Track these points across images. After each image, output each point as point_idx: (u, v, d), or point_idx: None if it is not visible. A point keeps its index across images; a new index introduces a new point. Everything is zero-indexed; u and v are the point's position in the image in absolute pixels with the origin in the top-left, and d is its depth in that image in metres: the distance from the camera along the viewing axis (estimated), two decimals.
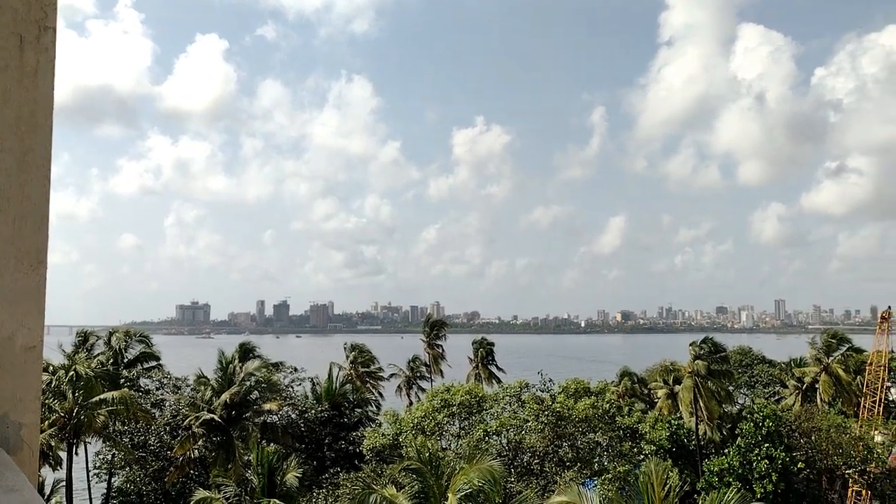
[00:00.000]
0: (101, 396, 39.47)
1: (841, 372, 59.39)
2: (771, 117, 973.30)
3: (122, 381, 48.06)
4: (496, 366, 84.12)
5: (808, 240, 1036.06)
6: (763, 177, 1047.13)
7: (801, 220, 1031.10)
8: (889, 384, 59.24)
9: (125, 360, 51.39)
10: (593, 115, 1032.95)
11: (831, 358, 61.14)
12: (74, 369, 40.65)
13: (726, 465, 44.35)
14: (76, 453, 43.05)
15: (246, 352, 48.76)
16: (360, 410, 55.05)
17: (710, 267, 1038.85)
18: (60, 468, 42.56)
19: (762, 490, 41.70)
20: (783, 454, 43.09)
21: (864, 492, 47.54)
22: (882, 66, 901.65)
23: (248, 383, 41.91)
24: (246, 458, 38.50)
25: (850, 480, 47.72)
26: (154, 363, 53.15)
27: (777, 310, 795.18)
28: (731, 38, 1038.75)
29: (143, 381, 52.16)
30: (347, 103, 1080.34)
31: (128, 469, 42.58)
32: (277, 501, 25.38)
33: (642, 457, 41.17)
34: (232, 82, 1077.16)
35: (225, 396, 39.57)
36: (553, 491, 30.11)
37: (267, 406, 42.12)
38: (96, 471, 47.05)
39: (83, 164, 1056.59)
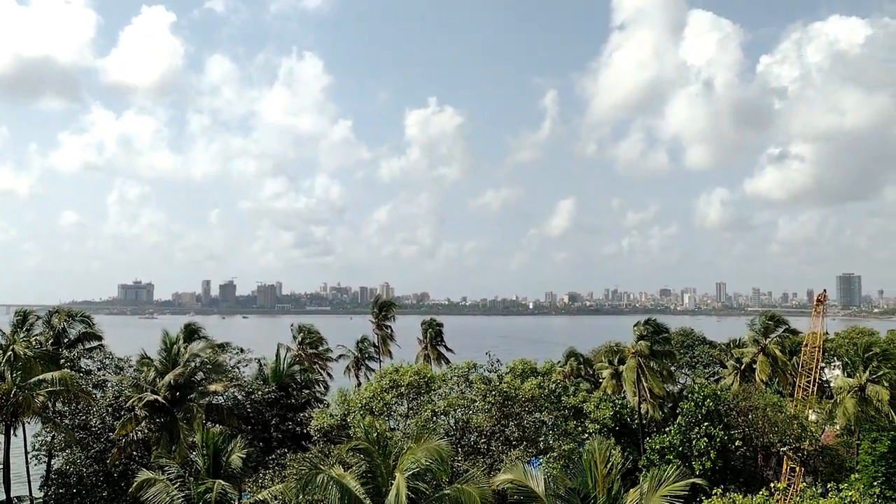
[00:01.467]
0: (41, 377, 38.55)
1: (778, 353, 61.36)
2: (718, 103, 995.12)
3: (63, 361, 46.97)
4: (445, 346, 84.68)
5: (750, 224, 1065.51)
6: (709, 162, 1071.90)
7: (743, 204, 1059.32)
8: (823, 365, 61.43)
9: (66, 341, 50.21)
10: (545, 98, 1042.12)
11: (769, 339, 63.08)
12: (12, 349, 39.64)
13: (667, 443, 45.53)
14: (14, 435, 42.05)
15: (191, 332, 48.10)
16: (307, 391, 54.87)
17: (655, 250, 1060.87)
18: None
19: (701, 467, 42.95)
20: (721, 432, 44.40)
21: (797, 468, 49.36)
22: (826, 55, 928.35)
23: (192, 364, 41.34)
24: (190, 439, 38.08)
25: (785, 457, 49.46)
26: (96, 343, 52.00)
27: (718, 292, 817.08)
28: (681, 23, 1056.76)
29: (84, 362, 51.00)
30: (298, 81, 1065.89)
31: (68, 451, 41.73)
32: (222, 482, 25.22)
33: (586, 435, 42.06)
34: (179, 56, 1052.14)
35: (169, 377, 39.00)
36: (499, 469, 30.57)
37: (212, 387, 41.67)
38: (35, 453, 46.00)
39: (22, 139, 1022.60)
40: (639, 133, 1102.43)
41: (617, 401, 57.19)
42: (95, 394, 45.32)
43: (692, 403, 45.54)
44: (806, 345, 58.34)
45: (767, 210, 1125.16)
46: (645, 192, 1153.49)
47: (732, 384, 59.38)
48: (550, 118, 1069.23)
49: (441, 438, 29.55)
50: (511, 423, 41.88)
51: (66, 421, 42.43)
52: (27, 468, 45.18)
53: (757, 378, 60.46)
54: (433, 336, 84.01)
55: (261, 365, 53.84)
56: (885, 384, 49.75)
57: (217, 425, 39.86)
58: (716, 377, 68.71)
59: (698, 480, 23.27)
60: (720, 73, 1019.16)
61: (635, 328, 58.24)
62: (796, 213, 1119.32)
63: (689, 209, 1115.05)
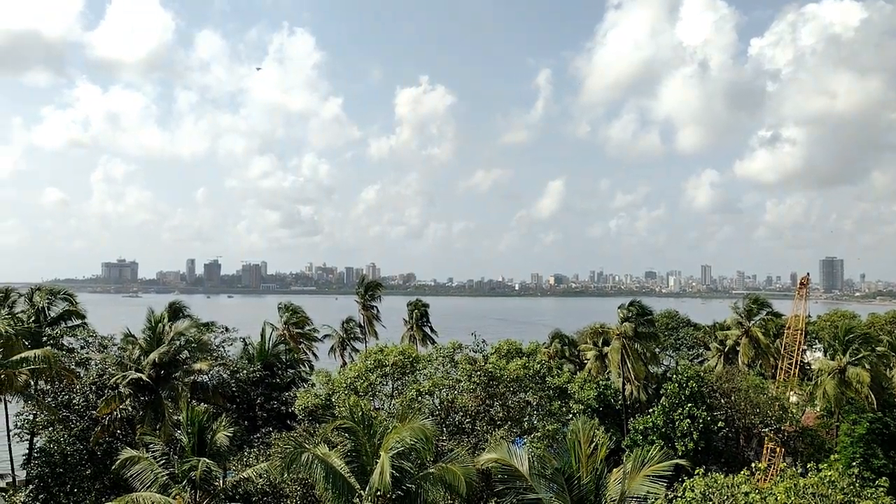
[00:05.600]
0: (23, 355, 38.25)
1: (760, 335, 61.91)
2: (711, 85, 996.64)
3: (45, 339, 46.68)
4: (430, 327, 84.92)
5: (737, 207, 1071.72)
6: (700, 144, 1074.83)
7: (732, 187, 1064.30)
8: (805, 347, 61.99)
9: (48, 319, 49.83)
10: (539, 78, 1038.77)
11: (752, 322, 63.63)
12: None
13: (651, 423, 45.88)
14: None
15: (176, 311, 47.84)
16: (293, 371, 54.81)
17: (642, 232, 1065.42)
18: None
19: (683, 448, 43.31)
20: (704, 414, 44.77)
21: (778, 449, 49.93)
22: (819, 38, 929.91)
23: (177, 343, 41.13)
24: (175, 417, 37.99)
25: (766, 438, 50.01)
26: (79, 322, 51.64)
27: (703, 275, 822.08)
28: (677, 4, 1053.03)
29: (67, 340, 50.70)
30: (289, 57, 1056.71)
31: (51, 429, 41.48)
32: (207, 460, 25.21)
33: (571, 416, 42.24)
34: (169, 31, 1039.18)
35: (153, 356, 38.79)
36: (484, 449, 30.71)
37: (197, 366, 41.48)
38: (17, 431, 45.75)
39: (5, 114, 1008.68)
40: (632, 114, 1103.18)
41: (601, 382, 57.57)
42: (79, 372, 45.03)
43: (676, 385, 45.86)
44: (789, 327, 58.84)
45: (756, 193, 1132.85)
46: (635, 174, 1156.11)
47: (716, 366, 59.87)
48: (543, 98, 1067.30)
49: (426, 418, 29.69)
50: (496, 403, 42.04)
51: (49, 399, 42.16)
52: (9, 446, 45.00)
53: (740, 360, 61.03)
54: (419, 317, 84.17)
55: (246, 344, 53.68)
56: (866, 367, 50.26)
57: (202, 404, 39.75)
58: (700, 359, 69.25)
59: (681, 461, 23.45)
60: (715, 55, 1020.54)
61: (620, 310, 58.52)
62: (784, 197, 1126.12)
63: (678, 191, 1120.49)
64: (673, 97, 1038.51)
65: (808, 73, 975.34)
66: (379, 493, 21.85)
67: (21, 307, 48.94)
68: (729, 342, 63.58)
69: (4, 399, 42.29)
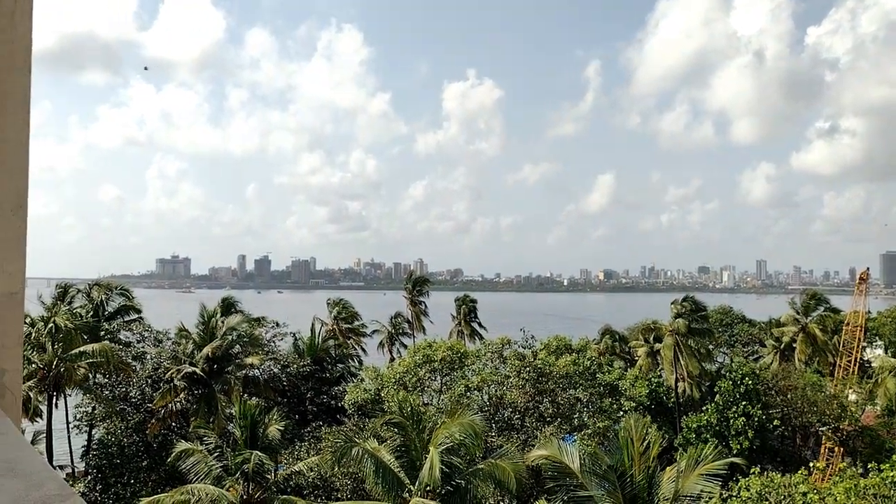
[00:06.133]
0: (82, 349, 39.36)
1: (818, 332, 60.35)
2: (767, 75, 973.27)
3: (103, 333, 47.91)
4: (478, 323, 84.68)
5: (794, 200, 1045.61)
6: (755, 135, 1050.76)
7: (789, 179, 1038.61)
8: (864, 344, 60.29)
9: (106, 313, 51.15)
10: (588, 69, 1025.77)
11: (809, 318, 62.07)
12: (54, 321, 40.46)
13: (704, 421, 45.15)
14: (56, 406, 43.07)
15: (228, 306, 48.72)
16: (342, 366, 55.37)
17: (695, 226, 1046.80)
18: (40, 420, 42.61)
19: (738, 446, 42.55)
20: (760, 412, 43.89)
21: (836, 449, 48.66)
22: (881, 25, 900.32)
23: (230, 337, 41.91)
24: (228, 411, 38.66)
25: (824, 437, 48.79)
26: (135, 316, 52.94)
27: (758, 270, 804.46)
28: None
29: (123, 334, 52.00)
30: (337, 53, 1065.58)
31: (108, 421, 42.64)
32: (260, 453, 25.55)
33: (622, 413, 41.78)
34: (220, 30, 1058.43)
35: (207, 350, 39.57)
36: (533, 445, 30.55)
37: (249, 360, 42.21)
38: (76, 423, 47.13)
39: (64, 113, 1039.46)
40: (684, 105, 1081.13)
41: (653, 379, 56.81)
42: (135, 366, 46.17)
43: (730, 382, 45.04)
44: (847, 324, 57.26)
45: (814, 185, 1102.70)
46: (688, 167, 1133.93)
47: (772, 363, 58.63)
48: (593, 90, 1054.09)
49: (475, 414, 29.64)
50: (545, 400, 41.78)
51: (107, 392, 43.31)
52: (69, 438, 46.35)
53: (797, 357, 59.61)
54: (466, 312, 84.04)
55: (296, 339, 54.38)
56: None
57: (254, 397, 40.40)
58: (755, 356, 67.88)
59: (737, 460, 22.99)
60: (771, 44, 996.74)
61: (673, 306, 57.66)
62: (843, 189, 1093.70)
63: (733, 184, 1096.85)
64: (727, 88, 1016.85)
65: (868, 61, 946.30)
66: (428, 488, 21.90)
67: (80, 302, 50.34)
68: (785, 339, 62.14)
69: (64, 392, 43.55)
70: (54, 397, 41.93)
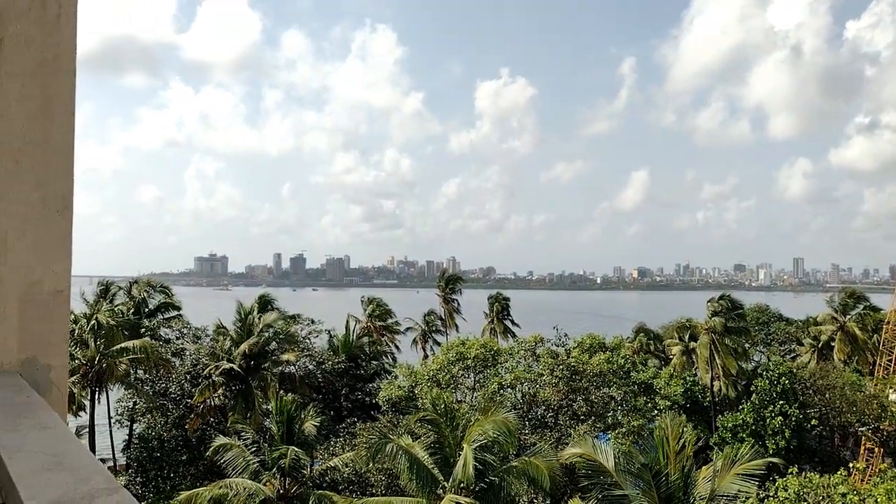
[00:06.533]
0: (123, 345, 40.14)
1: (857, 331, 59.18)
2: (805, 70, 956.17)
3: (143, 330, 48.78)
4: (511, 320, 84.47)
5: (832, 196, 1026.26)
6: (792, 131, 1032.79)
7: (827, 176, 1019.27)
8: None
9: (146, 310, 52.07)
10: (623, 67, 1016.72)
11: (848, 317, 60.88)
12: (96, 318, 41.30)
13: (740, 420, 44.59)
14: (98, 400, 43.97)
15: (264, 304, 49.28)
16: (376, 363, 55.64)
17: (731, 224, 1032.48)
18: (83, 414, 43.52)
19: (775, 446, 41.95)
20: (797, 411, 43.22)
21: (876, 449, 47.71)
22: None
23: (266, 334, 42.41)
24: (265, 406, 39.16)
25: (864, 438, 47.88)
26: (174, 313, 53.80)
27: (795, 268, 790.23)
28: None
29: (163, 331, 52.86)
30: (371, 53, 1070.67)
31: (149, 416, 43.45)
32: (296, 449, 25.83)
33: (656, 412, 41.45)
34: (257, 31, 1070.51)
35: (244, 346, 40.10)
36: (567, 444, 30.46)
37: (285, 357, 42.65)
38: (118, 417, 48.03)
39: (105, 115, 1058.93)
40: (720, 102, 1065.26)
41: (688, 377, 56.21)
42: (174, 362, 46.92)
43: (767, 381, 44.41)
44: (888, 322, 56.06)
45: (852, 182, 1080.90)
46: (723, 164, 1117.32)
47: (809, 362, 57.64)
48: (627, 87, 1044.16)
49: (508, 411, 29.65)
50: (579, 398, 41.60)
51: (147, 387, 44.09)
52: (111, 432, 47.26)
53: (835, 356, 58.52)
54: (499, 310, 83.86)
55: (331, 336, 54.79)
56: None
57: (289, 394, 40.83)
58: (792, 355, 66.75)
59: (775, 459, 22.67)
60: (809, 39, 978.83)
61: (709, 304, 57.00)
62: (883, 185, 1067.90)
63: (769, 181, 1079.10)
64: (764, 84, 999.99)
65: None
66: (462, 484, 21.96)
67: (121, 299, 51.30)
68: (823, 338, 61.04)
69: (106, 387, 44.43)
70: (97, 392, 42.80)
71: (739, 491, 19.60)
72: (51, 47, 4.39)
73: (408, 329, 76.60)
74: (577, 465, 22.07)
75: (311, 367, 48.97)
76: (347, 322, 56.81)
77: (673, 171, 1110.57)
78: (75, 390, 40.64)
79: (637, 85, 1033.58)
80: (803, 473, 26.06)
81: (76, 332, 40.93)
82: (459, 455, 22.47)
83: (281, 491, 25.86)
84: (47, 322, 4.27)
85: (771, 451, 40.45)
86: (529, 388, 42.65)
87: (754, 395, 45.32)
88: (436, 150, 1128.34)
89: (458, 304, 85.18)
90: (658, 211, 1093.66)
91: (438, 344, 72.33)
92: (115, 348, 40.13)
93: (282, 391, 39.95)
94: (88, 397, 42.76)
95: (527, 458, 23.91)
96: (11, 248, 4.15)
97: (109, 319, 41.89)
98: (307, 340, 52.87)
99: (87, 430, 42.16)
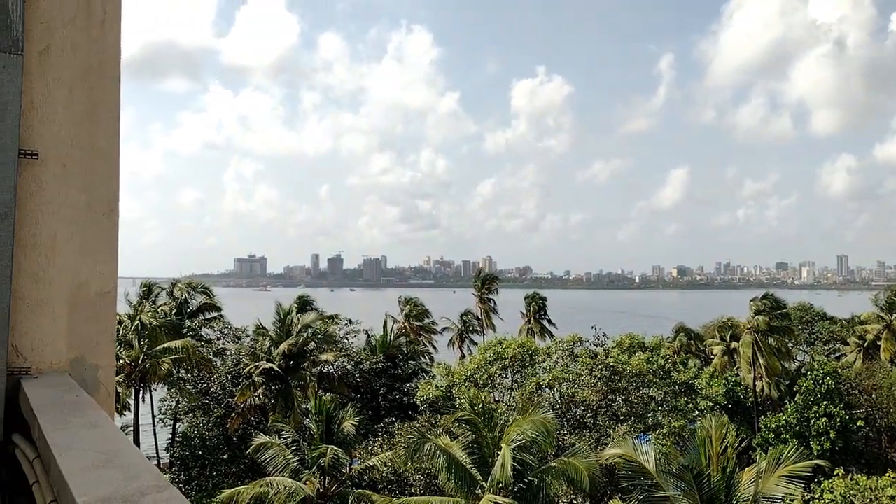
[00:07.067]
0: (166, 345, 40.83)
1: None
2: (848, 64, 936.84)
3: (185, 330, 49.56)
4: (548, 320, 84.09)
5: (877, 192, 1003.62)
6: (835, 127, 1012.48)
7: (872, 171, 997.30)
8: None
9: (188, 311, 52.91)
10: (661, 63, 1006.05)
11: (895, 315, 59.44)
12: (140, 319, 42.09)
13: (783, 421, 43.79)
14: (142, 399, 44.81)
15: (303, 304, 49.76)
16: (413, 362, 55.79)
17: (773, 221, 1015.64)
18: (128, 413, 44.38)
19: (819, 447, 41.11)
20: (842, 412, 42.31)
21: None
22: None
23: (305, 334, 42.78)
24: (304, 406, 39.52)
25: None
26: (215, 314, 54.60)
27: (839, 266, 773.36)
28: None
29: (204, 331, 53.65)
30: (407, 54, 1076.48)
31: (191, 415, 44.14)
32: (335, 448, 26.02)
33: (697, 412, 40.91)
34: (294, 34, 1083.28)
35: (283, 347, 40.51)
36: (606, 444, 30.21)
37: (323, 357, 42.98)
38: (161, 416, 48.87)
39: (147, 120, 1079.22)
40: (761, 97, 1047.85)
41: (730, 378, 55.36)
42: (215, 361, 47.61)
43: (811, 381, 43.53)
44: None
45: None
46: (764, 160, 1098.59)
47: (855, 362, 56.40)
48: (665, 84, 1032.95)
49: (546, 412, 29.48)
50: (618, 398, 41.22)
51: (189, 387, 44.80)
52: (154, 430, 48.13)
53: (881, 356, 57.18)
54: (536, 310, 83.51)
55: (368, 336, 55.09)
56: None
57: (328, 393, 41.15)
58: (836, 355, 65.35)
59: (820, 461, 22.20)
60: (852, 32, 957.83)
61: (752, 303, 56.17)
62: None
63: (812, 178, 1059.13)
64: (806, 78, 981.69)
65: None
66: (500, 484, 21.91)
67: (163, 300, 52.22)
68: (869, 337, 59.67)
69: (150, 386, 45.26)
70: (141, 391, 43.62)
71: (784, 494, 19.24)
72: (96, 53, 4.48)
73: (444, 329, 76.69)
74: (618, 465, 21.89)
75: (349, 366, 49.30)
76: (385, 322, 57.07)
77: (713, 168, 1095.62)
78: (120, 390, 41.45)
79: (676, 81, 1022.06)
80: (850, 475, 25.50)
81: (121, 332, 41.72)
82: (498, 455, 22.43)
83: (321, 489, 26.07)
84: (94, 322, 4.36)
85: (816, 453, 39.64)
86: (568, 389, 42.37)
87: (798, 395, 44.47)
88: (471, 150, 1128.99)
89: (495, 304, 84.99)
90: (697, 209, 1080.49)
91: (475, 344, 72.29)
92: (158, 348, 40.84)
93: (320, 391, 40.27)
94: (133, 396, 43.58)
95: (566, 459, 23.76)
96: (60, 251, 4.25)
97: (152, 320, 42.65)
98: (345, 340, 53.22)
99: (132, 428, 42.98)
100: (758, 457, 33.14)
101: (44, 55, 4.27)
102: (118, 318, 42.21)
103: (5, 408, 3.84)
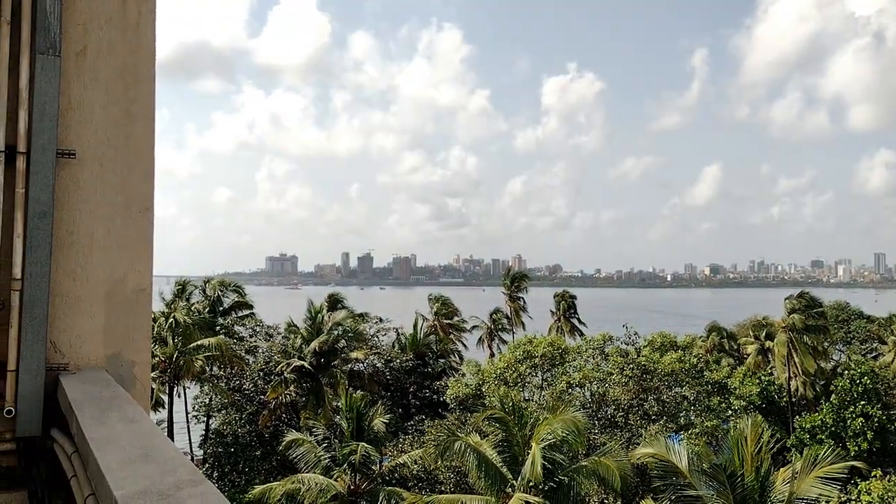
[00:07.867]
0: (199, 342, 41.35)
1: None
2: (887, 57, 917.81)
3: (218, 328, 50.12)
4: (578, 319, 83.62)
5: None
6: (874, 122, 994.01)
7: None
8: None
9: (221, 309, 53.51)
10: (694, 58, 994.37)
11: None
12: (174, 316, 42.66)
13: (819, 422, 43.09)
14: (177, 395, 45.43)
15: (334, 302, 50.09)
16: (443, 360, 55.86)
17: (808, 218, 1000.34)
18: (161, 410, 45.02)
19: (856, 448, 40.39)
20: (880, 412, 41.53)
21: None
22: None
23: (335, 332, 43.05)
24: (335, 403, 39.75)
25: None
26: (247, 312, 55.12)
27: (877, 263, 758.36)
28: None
29: (237, 329, 54.19)
30: (437, 53, 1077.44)
31: (224, 412, 44.63)
32: (366, 445, 26.15)
33: (730, 412, 40.44)
34: (325, 34, 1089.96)
35: (314, 344, 40.82)
36: (638, 444, 29.99)
37: (354, 354, 43.23)
38: (195, 413, 49.48)
39: (181, 120, 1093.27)
40: (796, 92, 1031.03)
41: (763, 377, 54.63)
42: (248, 359, 48.09)
43: (847, 381, 42.77)
44: None
45: None
46: (800, 157, 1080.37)
47: (893, 362, 55.30)
48: (698, 80, 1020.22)
49: (577, 410, 29.38)
50: (650, 398, 40.89)
51: (222, 384, 45.31)
52: (188, 427, 48.75)
53: None
54: (566, 308, 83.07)
55: (398, 334, 55.26)
56: None
57: (359, 391, 41.36)
58: (873, 354, 64.13)
59: (857, 463, 21.81)
60: (891, 25, 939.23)
61: (787, 301, 55.34)
62: None
63: (849, 174, 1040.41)
64: (843, 73, 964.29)
65: None
66: (531, 483, 21.84)
67: (197, 298, 52.88)
68: None
69: (183, 383, 45.86)
70: (174, 388, 44.22)
71: (820, 495, 18.93)
72: (131, 54, 4.56)
73: (474, 327, 76.64)
74: (650, 465, 21.71)
75: (379, 364, 49.51)
76: (416, 320, 57.22)
77: (746, 165, 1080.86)
78: (154, 386, 42.05)
79: (709, 77, 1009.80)
80: (887, 477, 25.01)
81: (155, 329, 42.32)
82: (528, 454, 22.36)
83: (351, 486, 26.22)
84: (131, 319, 4.44)
85: (852, 454, 38.97)
86: (598, 388, 42.13)
87: (834, 395, 43.73)
88: (501, 148, 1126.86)
89: (524, 302, 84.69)
90: (731, 206, 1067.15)
91: (505, 342, 72.13)
92: (191, 345, 41.37)
93: (351, 388, 40.49)
94: (167, 393, 44.19)
95: (597, 458, 23.62)
96: (97, 248, 4.32)
97: (186, 318, 43.19)
98: (375, 338, 53.45)
99: (166, 425, 43.58)
100: (792, 457, 32.67)
101: (81, 56, 4.35)
102: (153, 315, 42.82)
103: (44, 403, 3.92)
